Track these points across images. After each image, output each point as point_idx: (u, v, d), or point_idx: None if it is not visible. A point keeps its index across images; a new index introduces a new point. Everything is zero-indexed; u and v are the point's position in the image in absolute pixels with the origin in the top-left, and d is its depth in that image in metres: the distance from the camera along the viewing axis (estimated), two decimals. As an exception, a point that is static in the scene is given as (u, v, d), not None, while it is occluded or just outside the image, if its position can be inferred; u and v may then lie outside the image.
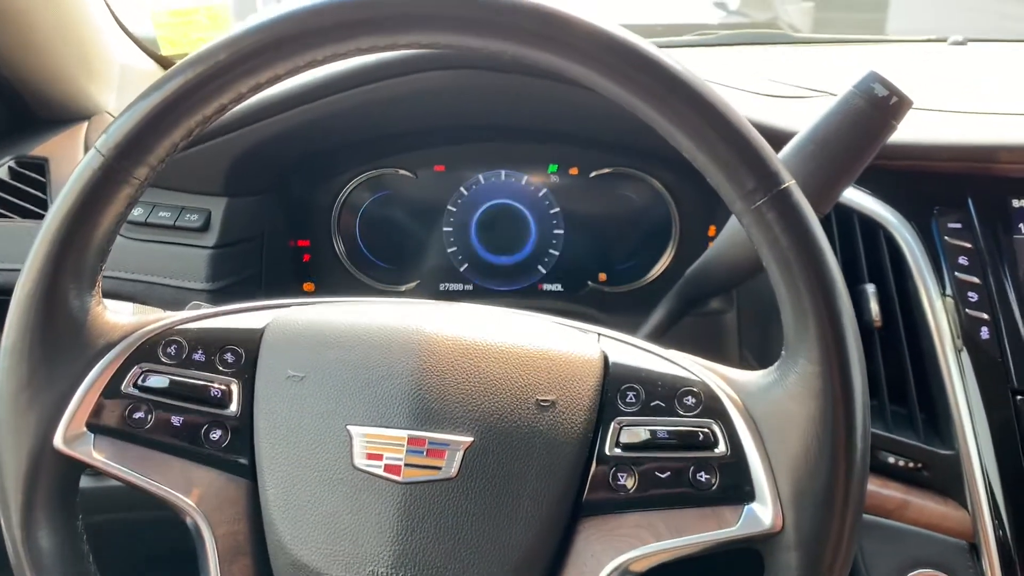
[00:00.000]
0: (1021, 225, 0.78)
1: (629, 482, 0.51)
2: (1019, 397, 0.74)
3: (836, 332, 0.48)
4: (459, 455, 0.51)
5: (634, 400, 0.53)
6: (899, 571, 0.77)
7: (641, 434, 0.52)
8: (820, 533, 0.48)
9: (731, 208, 0.50)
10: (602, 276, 1.04)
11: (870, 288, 0.78)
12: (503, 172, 1.02)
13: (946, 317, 0.75)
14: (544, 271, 1.04)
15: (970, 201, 0.79)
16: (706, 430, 0.52)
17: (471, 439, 0.51)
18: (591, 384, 0.53)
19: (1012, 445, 0.74)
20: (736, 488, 0.50)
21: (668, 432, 0.52)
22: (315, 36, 0.49)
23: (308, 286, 1.06)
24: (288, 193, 1.00)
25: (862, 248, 0.80)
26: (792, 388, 0.50)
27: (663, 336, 0.81)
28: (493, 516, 0.50)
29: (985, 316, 0.75)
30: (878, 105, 0.61)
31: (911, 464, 0.77)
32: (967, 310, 0.76)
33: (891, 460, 0.78)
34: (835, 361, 0.48)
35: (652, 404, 0.53)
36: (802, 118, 0.78)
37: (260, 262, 0.97)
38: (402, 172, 1.03)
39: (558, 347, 0.55)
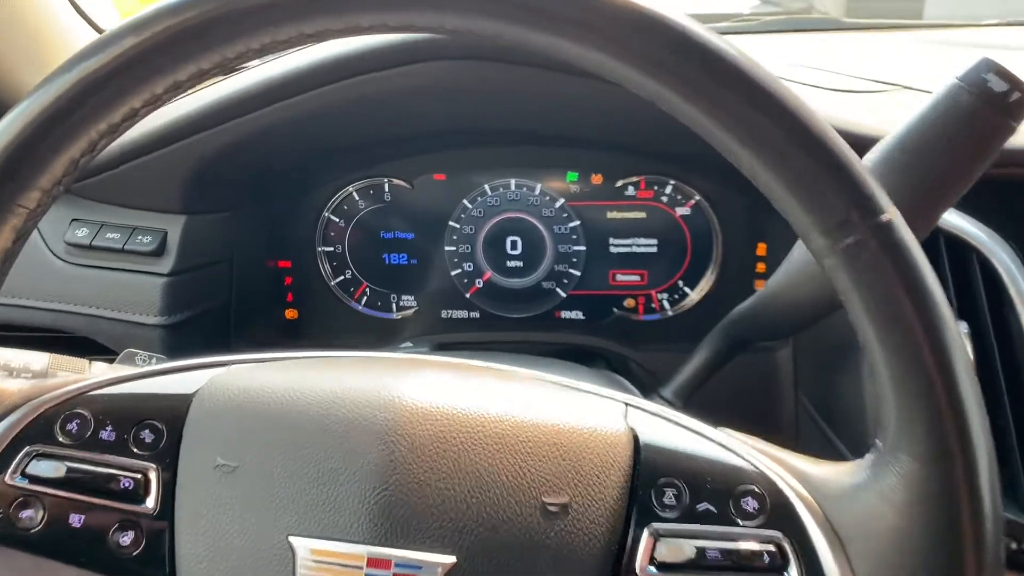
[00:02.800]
0: None
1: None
2: None
3: (960, 423, 0.35)
4: (437, 582, 0.38)
5: (674, 502, 0.41)
6: None
7: (685, 550, 0.40)
8: None
9: (808, 246, 0.38)
10: (630, 302, 0.91)
11: (962, 327, 0.65)
12: (513, 181, 0.90)
13: None
14: (563, 295, 0.92)
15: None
16: (772, 548, 0.39)
17: (453, 559, 0.39)
18: (617, 479, 0.41)
19: None
20: None
21: (721, 551, 0.39)
22: (247, 18, 0.37)
23: (291, 313, 0.94)
24: (263, 208, 0.89)
25: (950, 277, 0.66)
26: (893, 493, 0.37)
27: (702, 387, 0.69)
28: None
29: (1111, 362, 0.62)
30: (993, 101, 0.48)
31: (1010, 545, 0.64)
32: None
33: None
34: (957, 461, 0.35)
35: (699, 508, 0.40)
36: (879, 118, 0.64)
37: (230, 289, 0.86)
38: (396, 182, 0.91)
39: (573, 426, 0.42)
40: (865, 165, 0.50)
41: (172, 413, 0.45)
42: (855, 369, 0.67)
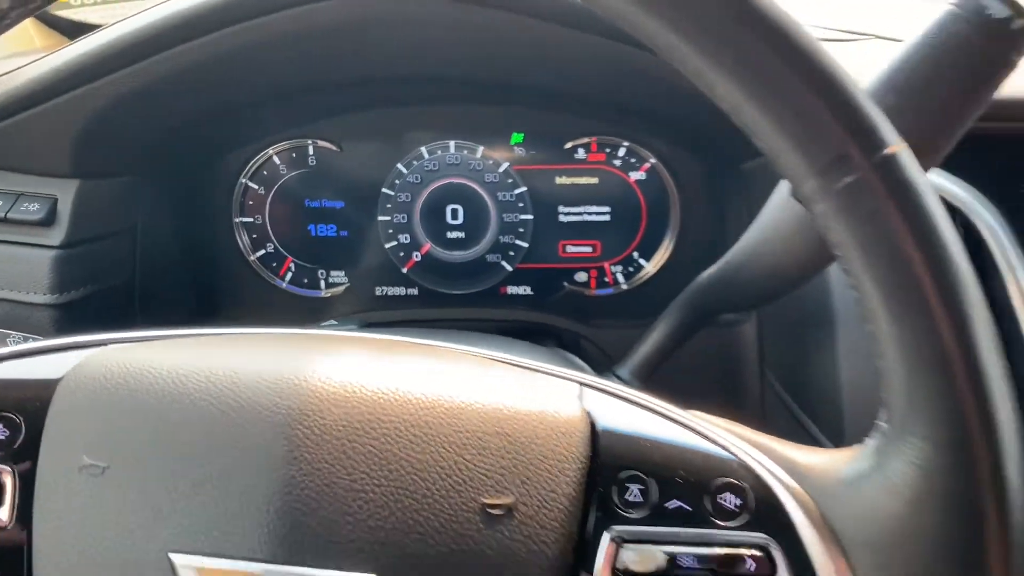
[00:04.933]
0: None
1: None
2: None
3: (981, 400, 0.30)
4: (352, 607, 0.32)
5: (640, 499, 0.34)
6: None
7: (654, 557, 0.34)
8: None
9: (798, 192, 0.31)
10: (582, 276, 0.85)
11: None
12: (452, 143, 0.83)
13: None
14: (509, 269, 0.85)
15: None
16: (758, 552, 0.33)
17: None
18: (571, 474, 0.34)
19: None
20: None
21: (697, 557, 0.33)
22: None
23: (204, 292, 0.86)
24: (172, 173, 0.80)
25: None
26: (902, 484, 0.31)
27: (662, 366, 0.63)
28: None
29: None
30: (993, 31, 0.42)
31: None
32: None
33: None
34: (979, 447, 0.30)
35: (669, 506, 0.34)
36: (860, 66, 0.58)
37: (133, 265, 0.77)
38: (322, 144, 0.83)
39: (518, 411, 0.36)
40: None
41: (32, 403, 0.38)
42: (829, 344, 0.62)
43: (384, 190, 0.84)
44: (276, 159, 0.84)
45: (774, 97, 0.30)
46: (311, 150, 0.84)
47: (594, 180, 0.83)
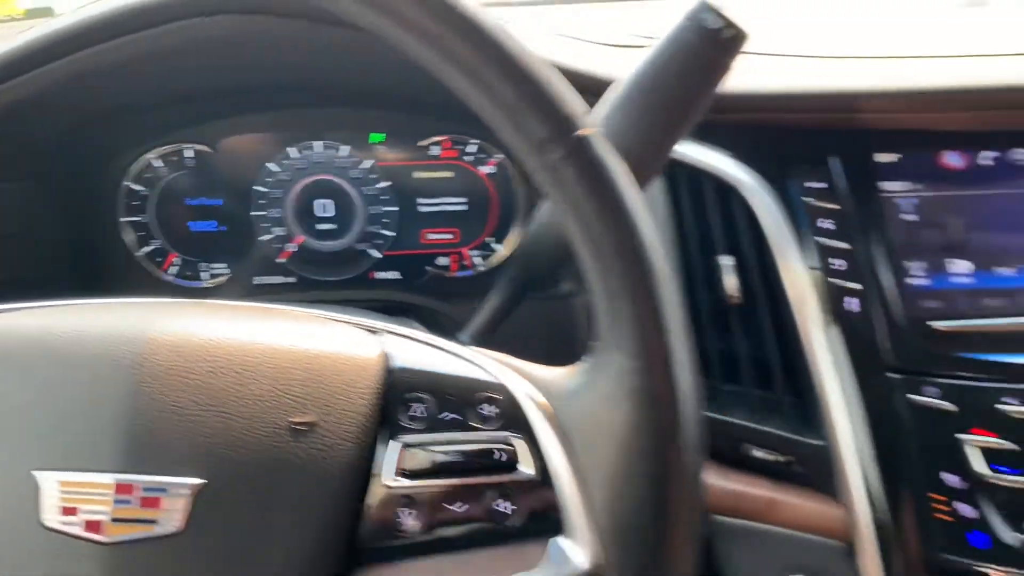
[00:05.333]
0: (886, 183, 0.73)
1: (414, 520, 0.42)
2: (893, 376, 0.69)
3: (655, 319, 0.40)
4: (184, 503, 0.40)
5: (422, 414, 0.44)
6: (769, 579, 0.71)
7: (431, 457, 0.43)
8: (646, 568, 0.40)
9: (527, 167, 0.41)
10: (443, 260, 0.95)
11: (726, 260, 0.71)
12: (319, 143, 0.91)
13: (811, 289, 0.69)
14: (378, 255, 0.94)
15: (832, 157, 0.73)
16: (506, 446, 0.43)
17: (201, 480, 0.40)
18: (365, 397, 0.44)
19: (888, 431, 0.68)
20: (542, 519, 0.42)
21: (460, 453, 0.43)
22: None
23: (92, 287, 0.92)
24: (59, 176, 0.86)
25: (718, 215, 0.73)
26: (605, 389, 0.41)
27: (496, 330, 0.72)
28: None
29: (854, 286, 0.70)
30: (711, 40, 0.53)
31: (779, 458, 0.71)
32: (833, 280, 0.70)
33: (757, 454, 0.72)
34: (656, 353, 0.40)
35: (443, 417, 0.44)
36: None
37: (23, 266, 0.83)
38: (198, 147, 0.91)
39: (322, 351, 0.45)
40: (608, 102, 0.55)
41: None
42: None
43: (257, 187, 0.92)
44: (156, 162, 0.91)
45: (495, 95, 0.39)
46: (189, 152, 0.91)
47: (449, 174, 0.92)
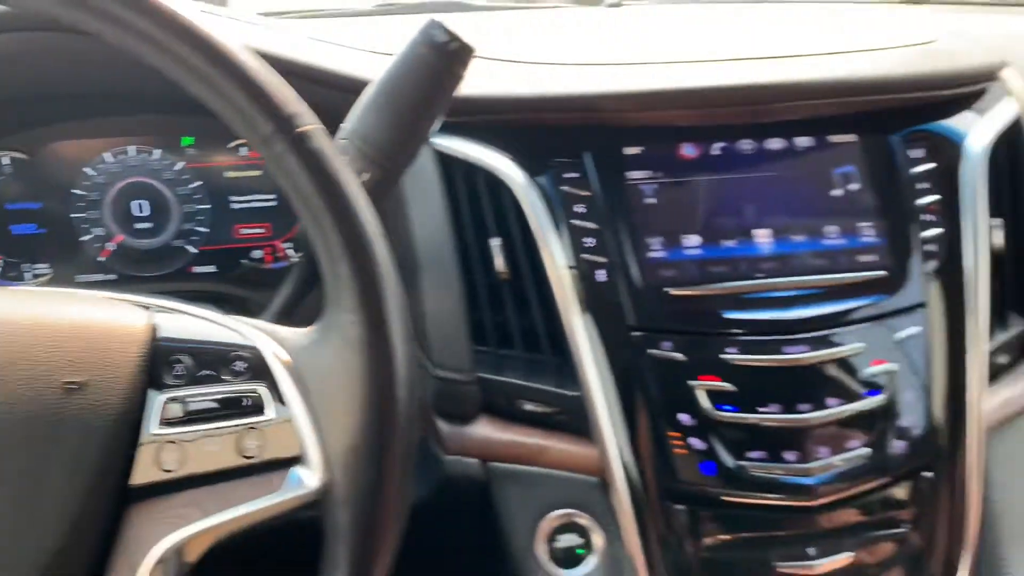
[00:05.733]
0: (632, 172, 0.85)
1: (175, 460, 0.50)
2: (636, 334, 0.81)
3: (368, 277, 0.49)
4: (-35, 454, 0.47)
5: (182, 372, 0.52)
6: (538, 514, 0.82)
7: (187, 406, 0.51)
8: (366, 487, 0.50)
9: (262, 158, 0.50)
10: (258, 252, 1.02)
11: (495, 242, 0.82)
12: (132, 148, 0.97)
13: (566, 265, 0.80)
14: (194, 251, 1.00)
15: (586, 151, 0.84)
16: (253, 394, 0.51)
17: None
18: (131, 359, 0.51)
19: (633, 380, 0.80)
20: (284, 453, 0.51)
21: (214, 401, 0.51)
22: None
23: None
24: None
25: (489, 203, 0.83)
26: (333, 341, 0.51)
27: (293, 312, 0.80)
28: (9, 523, 0.47)
29: (601, 259, 0.81)
30: (439, 51, 0.63)
31: (547, 409, 0.82)
32: (584, 255, 0.81)
33: (528, 407, 0.83)
34: (370, 307, 0.50)
35: (200, 374, 0.52)
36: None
37: None
38: (14, 154, 0.95)
39: (93, 322, 0.52)
40: (359, 103, 0.64)
41: None
42: (416, 284, 0.82)
43: (75, 191, 0.97)
44: (-27, 169, 0.95)
45: (225, 97, 0.48)
46: (6, 159, 0.95)
47: (259, 172, 1.00)
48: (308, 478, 0.50)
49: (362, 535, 0.49)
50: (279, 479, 0.50)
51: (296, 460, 0.50)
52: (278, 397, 0.52)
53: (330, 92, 0.75)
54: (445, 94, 0.65)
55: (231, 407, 0.51)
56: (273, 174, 0.50)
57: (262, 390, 0.52)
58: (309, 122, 0.49)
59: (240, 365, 0.52)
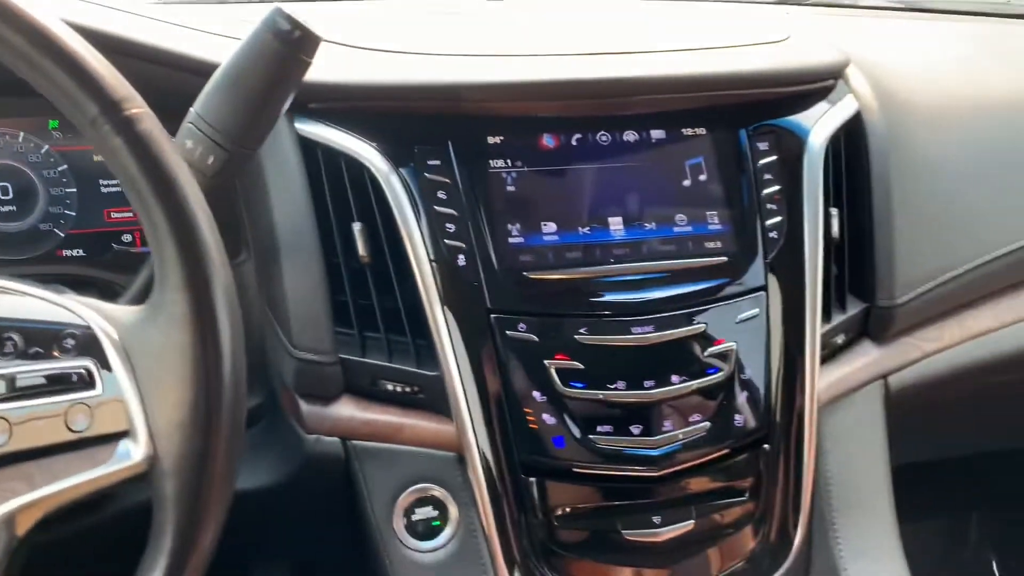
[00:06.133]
0: (493, 161, 0.88)
1: (2, 435, 0.51)
2: (493, 316, 0.84)
3: (193, 257, 0.51)
4: None
5: (11, 350, 0.53)
6: (398, 489, 0.85)
7: (13, 382, 0.52)
8: (193, 459, 0.52)
9: (88, 139, 0.51)
10: (128, 236, 1.02)
11: (357, 227, 0.84)
12: None
13: (427, 250, 0.83)
14: (61, 235, 1.00)
15: (449, 140, 0.87)
16: (81, 370, 0.53)
17: None
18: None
19: (490, 360, 0.84)
20: (112, 427, 0.52)
21: (43, 377, 0.52)
22: None
23: None
24: None
25: (349, 188, 0.85)
26: (161, 318, 0.52)
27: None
28: None
29: (462, 245, 0.85)
30: (284, 39, 0.65)
31: (407, 389, 0.85)
32: (446, 241, 0.84)
33: (390, 387, 0.85)
34: (195, 286, 0.52)
35: (31, 351, 0.53)
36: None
37: None
38: None
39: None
40: (206, 87, 0.66)
41: None
42: (278, 264, 0.84)
43: None
44: None
45: (52, 79, 0.49)
46: None
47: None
48: (135, 451, 0.52)
49: (188, 505, 0.52)
50: (107, 452, 0.52)
51: (124, 434, 0.52)
52: (107, 373, 0.53)
53: (181, 75, 0.76)
54: (291, 80, 0.67)
55: (60, 383, 0.53)
56: (101, 155, 0.51)
57: (91, 366, 0.53)
58: (137, 106, 0.51)
59: (70, 342, 0.54)
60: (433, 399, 0.85)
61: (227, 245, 0.90)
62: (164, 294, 0.52)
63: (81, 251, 1.00)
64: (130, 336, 0.54)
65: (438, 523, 0.85)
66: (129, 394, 0.53)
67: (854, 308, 0.99)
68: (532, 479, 0.85)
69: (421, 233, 0.84)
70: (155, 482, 0.52)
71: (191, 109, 0.66)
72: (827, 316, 0.97)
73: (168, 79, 0.77)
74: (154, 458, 0.52)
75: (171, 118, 0.64)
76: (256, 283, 0.98)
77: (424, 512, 0.85)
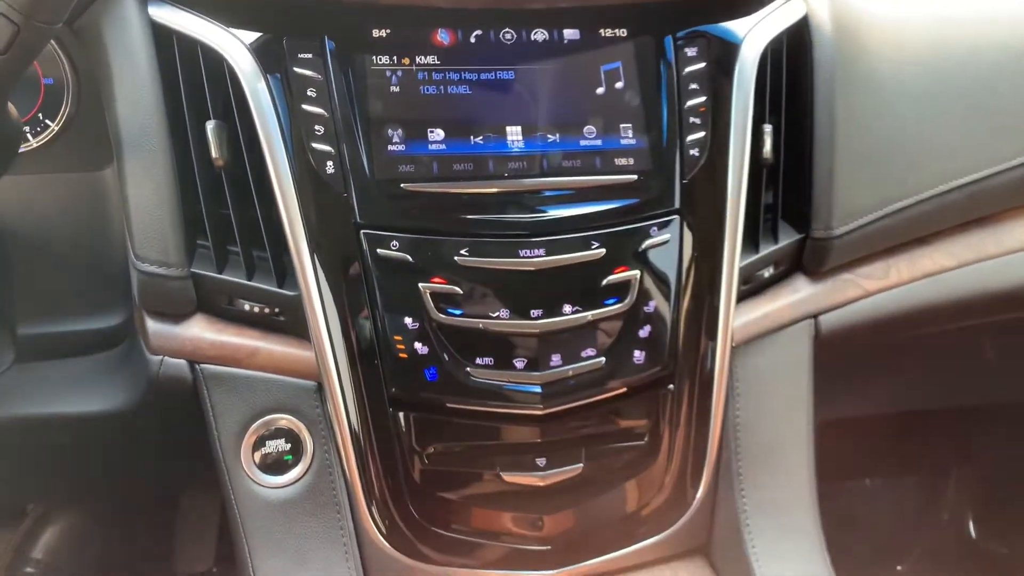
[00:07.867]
0: (378, 56, 0.77)
1: None
2: (363, 232, 0.75)
3: None
4: None
5: None
6: (248, 419, 0.77)
7: None
8: None
9: None
10: None
11: (211, 125, 0.74)
12: None
13: (289, 153, 0.73)
14: None
15: (324, 30, 0.76)
16: None
17: None
18: None
19: (359, 281, 0.75)
20: None
21: None
22: None
23: None
24: None
25: (206, 82, 0.75)
26: None
27: None
28: None
29: (330, 149, 0.75)
30: None
31: (265, 309, 0.76)
32: (312, 144, 0.74)
33: (247, 307, 0.77)
34: None
35: None
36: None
37: None
38: None
39: None
40: None
41: None
42: (121, 167, 0.74)
43: None
44: None
45: None
46: None
47: None
48: None
49: None
50: None
51: None
52: None
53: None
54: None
55: None
56: None
57: None
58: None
59: None
60: (292, 321, 0.76)
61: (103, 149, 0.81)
62: None
63: None
64: None
65: (290, 457, 0.77)
66: None
67: (787, 238, 0.89)
68: (400, 413, 0.76)
69: (283, 133, 0.73)
70: None
71: None
72: (755, 246, 0.86)
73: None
74: None
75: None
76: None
77: (275, 444, 0.77)
